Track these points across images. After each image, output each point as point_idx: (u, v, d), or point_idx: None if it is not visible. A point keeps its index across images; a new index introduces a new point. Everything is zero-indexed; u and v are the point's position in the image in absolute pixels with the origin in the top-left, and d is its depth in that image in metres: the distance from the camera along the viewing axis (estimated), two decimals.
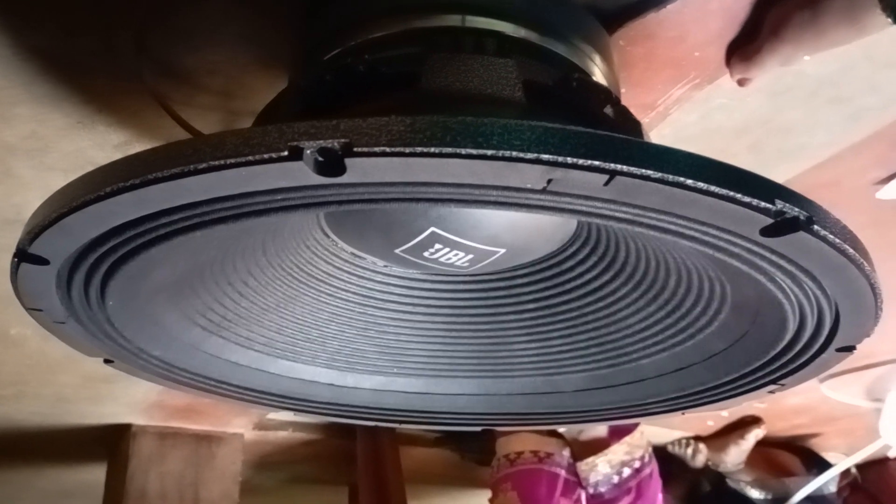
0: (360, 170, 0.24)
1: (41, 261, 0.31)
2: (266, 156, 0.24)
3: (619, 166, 0.24)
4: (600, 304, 0.49)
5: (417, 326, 0.55)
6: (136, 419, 1.17)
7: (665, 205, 0.26)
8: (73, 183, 0.28)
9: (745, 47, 0.51)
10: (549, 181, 0.24)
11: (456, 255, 0.42)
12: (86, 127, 0.57)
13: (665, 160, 0.24)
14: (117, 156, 0.62)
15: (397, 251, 0.43)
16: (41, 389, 1.01)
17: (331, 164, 0.24)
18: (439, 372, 0.57)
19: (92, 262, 0.32)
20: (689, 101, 0.59)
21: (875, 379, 1.24)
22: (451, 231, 0.40)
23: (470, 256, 0.42)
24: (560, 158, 0.23)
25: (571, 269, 0.49)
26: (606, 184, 0.24)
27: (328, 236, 0.47)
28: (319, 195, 0.26)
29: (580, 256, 0.47)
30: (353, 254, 0.49)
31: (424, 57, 0.36)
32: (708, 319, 0.43)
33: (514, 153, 0.23)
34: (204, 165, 0.24)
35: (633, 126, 0.39)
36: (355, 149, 0.24)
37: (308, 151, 0.24)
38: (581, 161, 0.24)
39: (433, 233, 0.40)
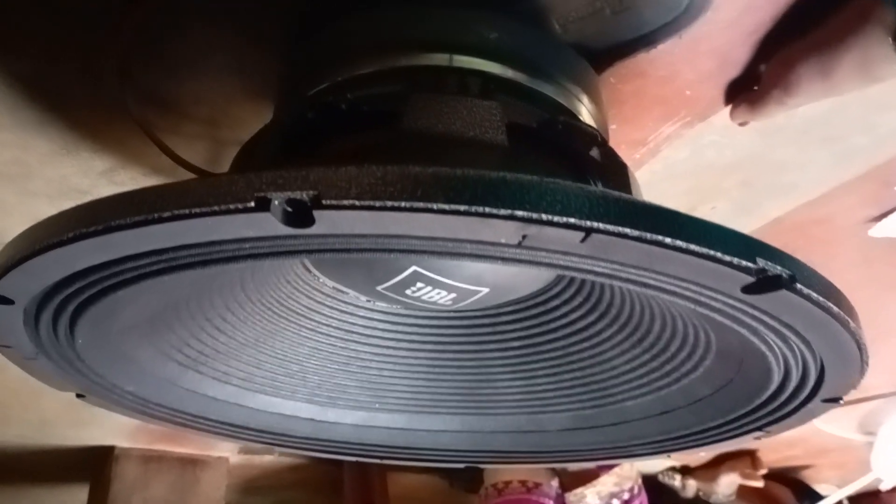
0: (329, 221, 0.23)
1: (6, 301, 0.30)
2: (232, 206, 0.23)
3: (595, 224, 0.23)
4: (585, 345, 0.48)
5: (400, 362, 0.54)
6: (120, 441, 1.15)
7: (644, 261, 0.25)
8: (37, 225, 0.27)
9: (749, 95, 0.50)
10: (524, 237, 0.24)
11: (439, 293, 0.41)
12: (70, 153, 0.57)
13: (643, 217, 0.24)
14: (102, 182, 0.61)
15: (379, 288, 0.42)
16: (24, 413, 0.99)
17: (299, 215, 0.23)
18: (422, 408, 0.56)
19: (58, 302, 0.31)
20: (679, 138, 0.59)
21: (867, 413, 1.23)
22: (434, 270, 0.39)
23: (453, 295, 0.42)
24: (535, 215, 0.23)
25: (556, 308, 0.48)
26: (583, 240, 0.24)
27: (310, 271, 0.46)
28: (289, 244, 0.26)
29: (565, 296, 0.47)
30: (335, 288, 0.49)
31: (407, 96, 0.35)
32: (693, 365, 0.42)
33: (487, 209, 0.23)
34: (168, 214, 0.24)
35: (619, 169, 0.39)
36: (324, 201, 0.23)
37: (276, 202, 0.23)
38: (556, 218, 0.23)
39: (415, 272, 0.39)
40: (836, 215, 0.74)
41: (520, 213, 0.23)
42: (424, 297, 0.42)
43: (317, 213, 0.23)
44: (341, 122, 0.37)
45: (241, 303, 0.44)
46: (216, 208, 0.23)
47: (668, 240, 0.24)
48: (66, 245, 0.26)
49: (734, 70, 0.52)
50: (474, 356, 0.53)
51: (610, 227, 0.23)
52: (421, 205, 0.23)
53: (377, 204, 0.23)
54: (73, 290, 0.30)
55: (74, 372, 0.40)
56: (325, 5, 0.44)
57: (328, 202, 0.23)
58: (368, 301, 0.50)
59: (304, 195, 0.23)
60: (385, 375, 0.54)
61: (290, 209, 0.23)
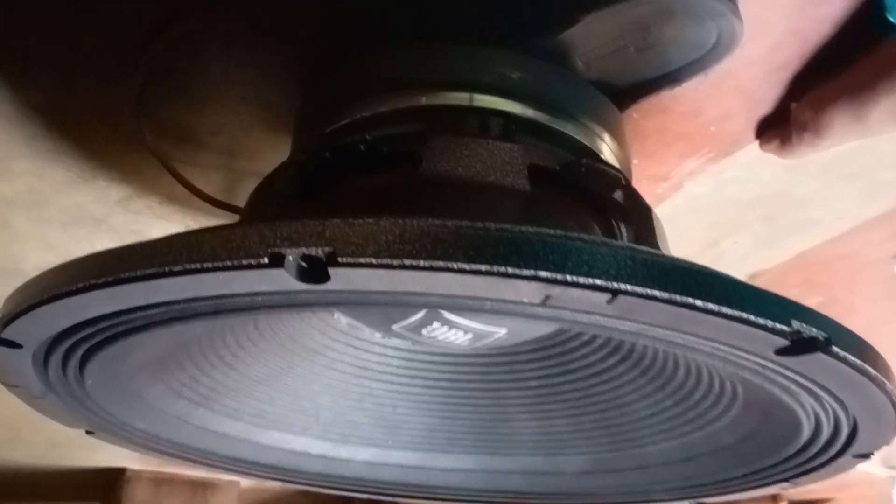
0: (344, 278, 0.23)
1: (15, 345, 0.30)
2: (245, 262, 0.22)
3: (622, 285, 0.22)
4: (606, 387, 0.47)
5: (415, 399, 0.53)
6: (131, 464, 1.15)
7: (673, 322, 0.24)
8: (48, 272, 0.27)
9: (778, 134, 0.49)
10: (548, 297, 0.23)
11: (455, 334, 0.40)
12: (86, 182, 0.56)
13: (673, 278, 0.23)
14: (117, 211, 0.61)
15: (394, 328, 0.41)
16: (34, 435, 0.99)
17: (314, 271, 0.22)
18: (436, 446, 0.54)
19: (68, 346, 0.30)
20: (702, 173, 0.58)
21: (890, 447, 1.20)
22: (451, 312, 0.38)
23: (469, 336, 0.41)
24: (559, 276, 0.22)
25: (576, 349, 0.47)
26: (609, 301, 0.23)
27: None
28: (303, 298, 0.25)
29: (585, 338, 0.46)
30: (349, 324, 0.48)
31: (427, 137, 0.35)
32: (717, 414, 0.41)
33: (510, 269, 0.22)
34: (179, 268, 0.23)
35: (643, 212, 0.38)
36: (340, 258, 0.22)
37: (290, 258, 0.22)
38: (581, 279, 0.22)
39: (431, 312, 0.38)
40: (861, 251, 0.72)
41: (543, 273, 0.22)
42: (440, 338, 0.41)
43: (332, 270, 0.22)
44: (360, 162, 0.36)
45: (254, 340, 0.43)
46: (228, 263, 0.22)
47: (698, 302, 0.23)
48: (75, 295, 0.25)
49: (761, 107, 0.51)
50: (490, 395, 0.52)
51: (638, 289, 0.22)
52: (440, 264, 0.22)
53: (395, 262, 0.22)
54: (82, 335, 0.29)
55: (84, 410, 0.39)
56: (345, 42, 0.44)
57: (344, 259, 0.22)
58: (383, 337, 0.49)
59: (319, 251, 0.22)
60: (399, 412, 0.53)
61: (304, 264, 0.23)
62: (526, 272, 0.22)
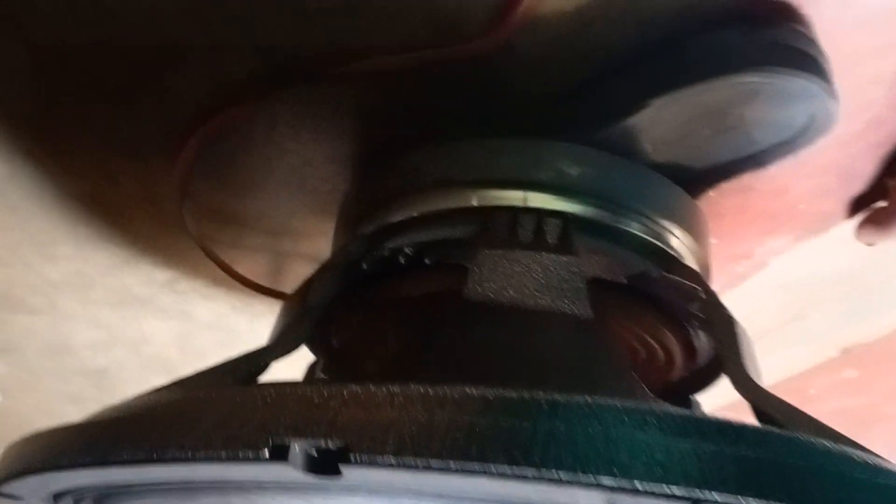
0: (359, 475, 0.19)
1: (14, 496, 0.27)
2: (241, 453, 0.19)
3: (705, 494, 0.17)
4: None
5: None
6: None
7: None
8: (38, 436, 0.24)
9: (877, 215, 0.44)
10: None
11: None
12: (130, 266, 0.55)
13: (769, 480, 0.18)
14: (164, 292, 0.59)
15: None
16: None
17: (323, 465, 0.19)
18: None
19: (71, 500, 0.27)
20: (789, 251, 0.52)
21: None
22: None
23: None
24: (626, 483, 0.17)
25: None
26: None
27: None
28: (312, 489, 0.21)
29: None
30: None
31: (474, 248, 0.31)
32: None
33: (563, 475, 0.17)
34: (168, 455, 0.19)
35: (725, 325, 0.33)
36: (353, 455, 0.18)
37: (295, 449, 0.18)
38: (654, 487, 0.17)
39: None
40: None
41: (607, 480, 0.17)
42: None
43: (345, 467, 0.18)
44: (401, 272, 0.33)
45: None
46: (223, 454, 0.19)
47: None
48: (60, 471, 0.22)
49: (856, 184, 0.45)
50: None
51: (724, 499, 0.17)
52: (476, 466, 0.18)
53: (419, 463, 0.18)
54: (80, 496, 0.26)
55: None
56: (392, 134, 0.41)
57: (359, 456, 0.18)
58: None
59: (329, 443, 0.18)
60: None
61: (313, 454, 0.19)
62: (584, 478, 0.17)
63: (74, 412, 0.78)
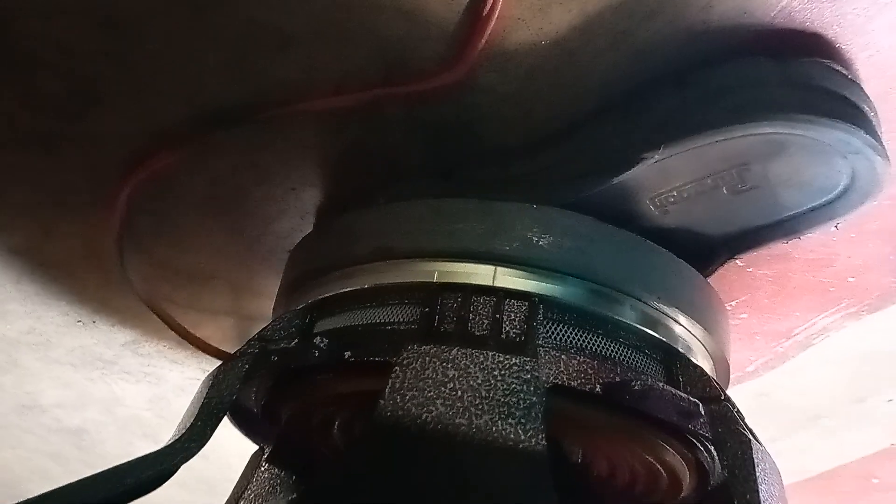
0: None
1: None
2: None
3: None
4: None
5: None
6: None
7: None
8: None
9: None
10: None
11: None
12: (86, 326, 0.49)
13: None
14: (126, 354, 0.53)
15: None
16: None
17: None
18: None
19: None
20: (841, 328, 0.44)
21: None
22: None
23: None
24: None
25: None
26: None
27: None
28: None
29: None
30: None
31: (400, 343, 0.24)
32: None
33: None
34: None
35: (738, 448, 0.25)
36: None
37: None
38: None
39: None
40: None
41: None
42: None
43: None
44: (320, 368, 0.26)
45: None
46: None
47: None
48: None
49: None
50: None
51: None
52: None
53: None
54: None
55: None
56: (342, 189, 0.35)
57: None
58: None
59: None
60: None
61: None
62: None
63: (59, 471, 0.73)
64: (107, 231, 0.40)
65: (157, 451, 0.25)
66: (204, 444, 0.27)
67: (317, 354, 0.25)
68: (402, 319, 0.27)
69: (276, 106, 0.33)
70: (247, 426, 0.34)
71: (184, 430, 0.27)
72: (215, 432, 0.27)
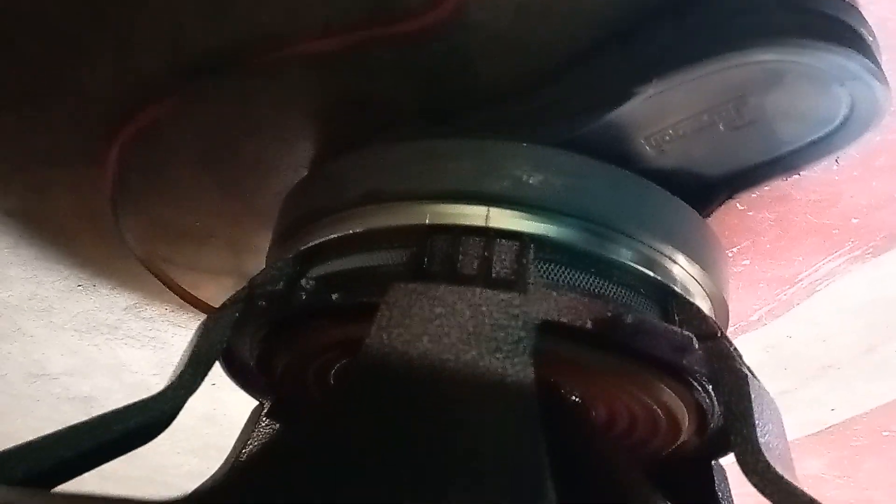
0: None
1: None
2: None
3: None
4: None
5: None
6: None
7: None
8: None
9: None
10: None
11: None
12: (87, 290, 0.49)
13: None
14: (129, 317, 0.53)
15: None
16: None
17: None
18: None
19: None
20: (847, 273, 0.43)
21: None
22: None
23: None
24: None
25: None
26: None
27: None
28: None
29: None
30: None
31: (387, 282, 0.23)
32: None
33: None
34: None
35: (735, 385, 0.24)
36: None
37: None
38: None
39: None
40: None
41: None
42: None
43: None
44: (307, 313, 0.26)
45: None
46: None
47: None
48: None
49: None
50: None
51: None
52: None
53: None
54: None
55: None
56: (330, 135, 0.34)
57: None
58: None
59: None
60: None
61: None
62: None
63: None
64: (100, 190, 0.39)
65: (145, 399, 0.25)
66: (193, 392, 0.27)
67: (304, 297, 0.25)
68: (391, 262, 0.26)
69: (261, 52, 0.32)
70: (244, 380, 0.34)
71: (174, 379, 0.27)
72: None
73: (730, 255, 0.41)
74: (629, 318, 0.23)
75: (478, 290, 0.23)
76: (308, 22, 0.31)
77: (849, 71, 0.26)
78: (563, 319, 0.24)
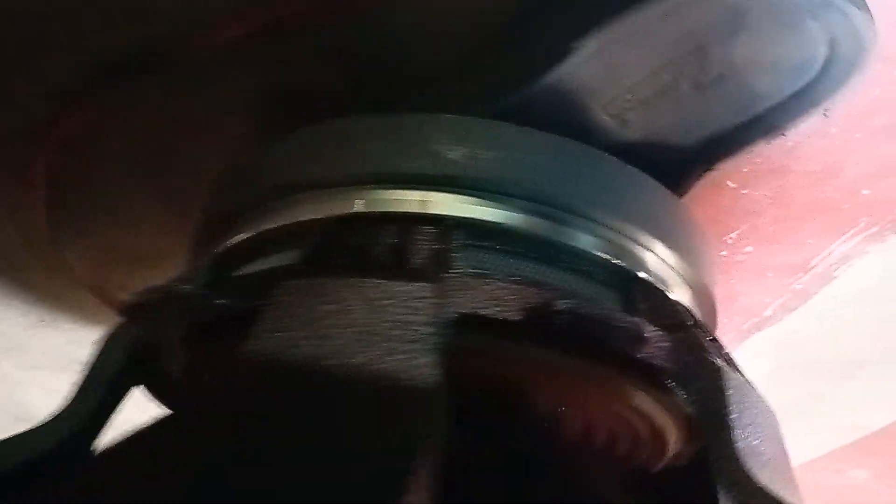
0: None
1: None
2: None
3: None
4: None
5: None
6: None
7: None
8: None
9: None
10: None
11: None
12: (50, 325, 0.47)
13: None
14: None
15: None
16: None
17: None
18: None
19: None
20: (864, 254, 0.38)
21: None
22: None
23: None
24: None
25: None
26: None
27: None
28: None
29: None
30: None
31: (273, 281, 0.20)
32: None
33: None
34: None
35: (707, 380, 0.20)
36: None
37: None
38: None
39: None
40: None
41: None
42: None
43: None
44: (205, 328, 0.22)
45: None
46: None
47: None
48: None
49: None
50: None
51: None
52: None
53: None
54: None
55: None
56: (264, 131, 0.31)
57: None
58: None
59: None
60: None
61: None
62: None
63: None
64: (35, 211, 0.37)
65: (22, 432, 0.22)
66: (88, 418, 0.24)
67: (199, 309, 0.21)
68: (292, 260, 0.23)
69: (172, 46, 0.29)
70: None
71: (63, 406, 0.24)
72: None
73: (729, 241, 0.37)
74: (560, 305, 0.19)
75: (375, 282, 0.19)
76: (214, 10, 0.28)
77: (821, 3, 0.21)
78: (485, 312, 0.20)
